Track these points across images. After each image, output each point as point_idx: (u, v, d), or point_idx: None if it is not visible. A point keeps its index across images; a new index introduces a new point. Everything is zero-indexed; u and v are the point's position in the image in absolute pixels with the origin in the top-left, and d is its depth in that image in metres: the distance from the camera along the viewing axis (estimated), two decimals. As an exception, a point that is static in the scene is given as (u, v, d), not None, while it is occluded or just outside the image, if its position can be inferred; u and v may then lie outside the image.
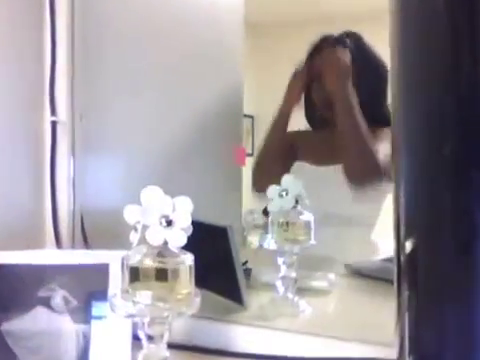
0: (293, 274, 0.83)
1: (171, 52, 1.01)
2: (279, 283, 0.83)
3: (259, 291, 0.89)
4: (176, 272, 0.55)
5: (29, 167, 0.91)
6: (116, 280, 0.58)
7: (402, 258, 0.48)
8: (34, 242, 0.91)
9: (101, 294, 0.67)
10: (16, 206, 0.89)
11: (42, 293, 0.69)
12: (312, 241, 0.83)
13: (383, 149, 0.97)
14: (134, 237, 0.56)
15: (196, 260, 0.56)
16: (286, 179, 0.84)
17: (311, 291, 0.88)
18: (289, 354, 0.72)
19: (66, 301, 0.68)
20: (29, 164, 0.91)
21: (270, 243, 0.85)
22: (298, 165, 1.07)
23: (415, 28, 0.46)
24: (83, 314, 0.68)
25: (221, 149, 1.05)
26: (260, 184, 1.07)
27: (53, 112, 0.92)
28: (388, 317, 0.51)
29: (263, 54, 1.13)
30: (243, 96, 1.08)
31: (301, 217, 0.83)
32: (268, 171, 1.08)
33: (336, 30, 1.02)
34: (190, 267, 0.56)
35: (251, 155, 1.11)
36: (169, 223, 0.55)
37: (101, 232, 0.91)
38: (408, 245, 0.47)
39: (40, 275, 0.69)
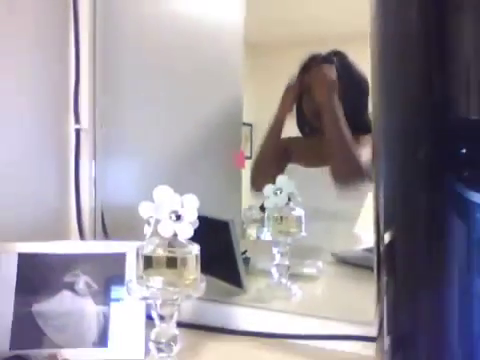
0: (286, 262, 0.83)
1: (180, 68, 1.01)
2: (274, 270, 0.83)
3: (257, 277, 0.89)
4: (184, 260, 0.55)
5: (56, 169, 0.91)
6: (132, 267, 0.58)
7: (381, 248, 0.48)
8: (60, 234, 0.91)
9: (119, 279, 0.67)
10: (45, 203, 0.89)
11: (67, 279, 0.69)
12: (303, 233, 0.83)
13: (365, 153, 0.97)
14: (147, 230, 0.56)
15: (202, 250, 0.56)
16: (280, 179, 0.84)
17: (302, 277, 0.87)
18: (283, 332, 0.72)
19: (88, 285, 0.68)
20: (56, 166, 0.91)
21: (266, 235, 0.85)
22: (291, 167, 1.07)
23: (393, 48, 0.46)
24: (103, 297, 0.68)
25: (223, 153, 1.05)
26: (257, 184, 1.07)
27: (77, 121, 0.92)
28: (369, 300, 0.51)
29: (261, 70, 1.13)
30: (243, 107, 1.08)
31: (293, 212, 0.83)
32: (264, 172, 1.07)
33: (325, 49, 1.02)
34: (196, 256, 0.56)
35: (250, 158, 1.10)
36: (178, 218, 0.55)
37: (119, 225, 0.91)
38: (386, 237, 0.47)
39: (65, 263, 0.69)
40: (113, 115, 0.95)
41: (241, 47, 1.07)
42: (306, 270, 0.90)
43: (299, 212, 0.83)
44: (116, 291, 0.68)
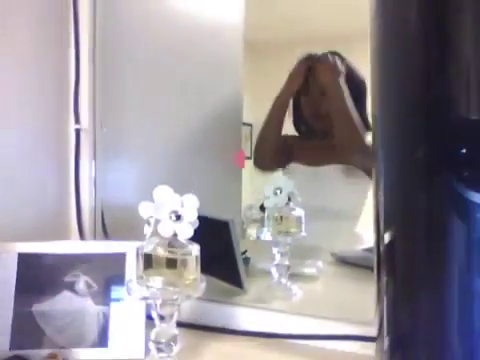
0: (286, 262, 0.83)
1: (180, 68, 1.01)
2: (274, 270, 0.83)
3: (257, 277, 0.89)
4: (184, 260, 0.55)
5: (56, 169, 0.91)
6: (132, 267, 0.58)
7: (381, 248, 0.48)
8: (60, 234, 0.91)
9: (119, 279, 0.67)
10: (45, 203, 0.89)
11: (67, 279, 0.69)
12: (303, 233, 0.83)
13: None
14: (147, 230, 0.56)
15: (202, 250, 0.56)
16: (280, 179, 0.84)
17: (302, 277, 0.87)
18: (283, 332, 0.72)
19: (88, 286, 0.68)
20: (56, 166, 0.91)
21: (266, 235, 0.85)
22: (293, 166, 1.08)
23: (392, 48, 0.46)
24: (103, 297, 0.68)
25: (223, 153, 1.05)
26: (260, 161, 1.09)
27: (77, 121, 0.92)
28: (369, 300, 0.51)
29: (261, 70, 1.13)
30: (243, 107, 1.08)
31: (293, 212, 0.83)
32: (267, 147, 1.09)
33: (325, 49, 1.02)
34: (196, 256, 0.56)
35: (250, 158, 1.10)
36: (178, 218, 0.54)
37: (119, 225, 0.91)
38: (386, 237, 0.47)
39: (65, 263, 0.69)
40: (113, 115, 0.95)
41: (241, 47, 1.07)
42: (306, 270, 0.90)
43: (299, 212, 0.83)
44: (116, 291, 0.68)
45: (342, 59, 1.02)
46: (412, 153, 0.44)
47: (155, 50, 0.99)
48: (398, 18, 0.44)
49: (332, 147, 1.04)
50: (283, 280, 0.83)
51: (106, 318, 0.67)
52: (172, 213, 0.54)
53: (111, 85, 0.94)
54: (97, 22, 0.92)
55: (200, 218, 0.55)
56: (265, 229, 0.85)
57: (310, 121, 1.08)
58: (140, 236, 0.56)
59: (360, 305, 0.63)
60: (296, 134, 1.10)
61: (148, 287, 0.54)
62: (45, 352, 0.64)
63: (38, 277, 0.68)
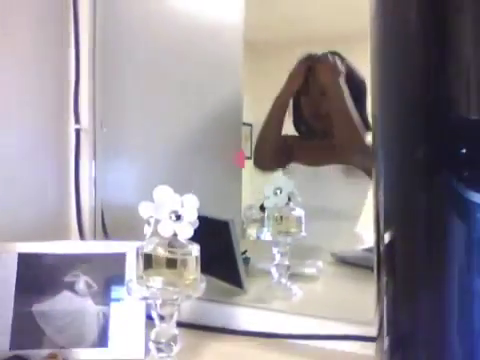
0: (286, 262, 0.83)
1: (180, 68, 1.01)
2: (274, 270, 0.83)
3: (257, 277, 0.89)
4: (184, 260, 0.55)
5: (56, 169, 0.91)
6: (132, 267, 0.58)
7: (381, 248, 0.48)
8: (60, 234, 0.91)
9: (119, 279, 0.67)
10: (45, 203, 0.89)
11: (67, 279, 0.69)
12: (303, 233, 0.83)
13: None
14: (147, 230, 0.56)
15: (202, 250, 0.56)
16: (280, 179, 0.84)
17: (302, 277, 0.87)
18: (283, 332, 0.72)
19: (88, 286, 0.68)
20: (56, 166, 0.91)
21: (266, 235, 0.85)
22: (293, 166, 1.08)
23: (392, 48, 0.46)
24: (103, 297, 0.68)
25: (223, 153, 1.05)
26: (260, 161, 1.09)
27: (77, 121, 0.92)
28: (369, 300, 0.51)
29: (261, 70, 1.13)
30: (243, 107, 1.08)
31: (293, 212, 0.83)
32: (267, 147, 1.09)
33: (325, 49, 1.02)
34: (196, 256, 0.56)
35: (250, 158, 1.10)
36: (178, 218, 0.54)
37: (119, 225, 0.91)
38: (386, 237, 0.47)
39: (65, 263, 0.69)
40: (113, 115, 0.95)
41: (241, 47, 1.07)
42: (306, 270, 0.90)
43: (299, 212, 0.83)
44: (116, 291, 0.68)
45: (342, 59, 1.02)
46: (412, 153, 0.44)
47: (155, 50, 0.99)
48: (398, 18, 0.44)
49: (332, 147, 1.04)
50: (283, 280, 0.83)
51: (106, 318, 0.67)
52: (172, 213, 0.54)
53: (111, 85, 0.94)
54: (97, 22, 0.92)
55: (200, 218, 0.55)
56: (265, 229, 0.85)
57: (310, 121, 1.08)
58: (140, 236, 0.56)
59: (360, 305, 0.63)
60: (296, 134, 1.10)
61: (148, 287, 0.54)
62: (45, 352, 0.64)
63: (38, 277, 0.68)
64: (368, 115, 0.94)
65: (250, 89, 1.09)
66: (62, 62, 0.91)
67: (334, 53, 1.02)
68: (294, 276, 0.84)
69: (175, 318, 0.56)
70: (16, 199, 0.83)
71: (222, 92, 1.07)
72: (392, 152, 0.47)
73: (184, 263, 0.54)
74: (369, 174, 0.51)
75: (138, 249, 0.55)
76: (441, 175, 0.42)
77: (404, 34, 0.44)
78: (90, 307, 0.68)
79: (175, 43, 1.00)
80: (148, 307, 0.61)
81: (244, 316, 0.76)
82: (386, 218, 0.47)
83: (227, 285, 0.83)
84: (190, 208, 0.55)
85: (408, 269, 0.45)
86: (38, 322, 0.66)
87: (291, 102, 1.08)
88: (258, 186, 1.06)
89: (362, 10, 0.51)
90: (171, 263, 0.54)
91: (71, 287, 0.68)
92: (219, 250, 0.79)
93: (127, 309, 0.67)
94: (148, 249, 0.54)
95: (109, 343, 0.66)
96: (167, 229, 0.54)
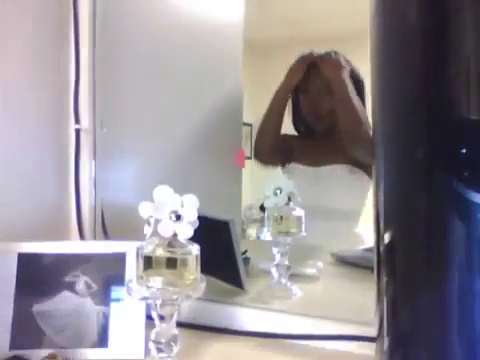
0: (286, 262, 0.83)
1: (179, 67, 1.01)
2: (274, 270, 0.83)
3: (257, 277, 0.89)
4: (184, 260, 0.54)
5: (56, 169, 0.91)
6: (132, 267, 0.58)
7: (381, 248, 0.48)
8: (60, 234, 0.91)
9: (119, 279, 0.67)
10: (45, 203, 0.89)
11: (67, 279, 0.69)
12: (303, 233, 0.83)
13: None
14: (147, 230, 0.56)
15: (202, 250, 0.56)
16: (280, 179, 0.84)
17: (302, 277, 0.87)
18: (283, 332, 0.72)
19: (88, 286, 0.68)
20: (56, 166, 0.91)
21: (266, 235, 0.85)
22: (293, 166, 1.08)
23: (392, 47, 0.46)
24: (103, 297, 0.68)
25: (223, 153, 1.05)
26: (259, 155, 1.09)
27: (77, 121, 0.92)
28: (369, 300, 0.51)
29: (261, 70, 1.13)
30: (243, 107, 1.08)
31: (293, 212, 0.83)
32: (267, 141, 1.09)
33: (325, 48, 1.02)
34: (196, 256, 0.55)
35: (250, 158, 1.10)
36: (178, 218, 0.54)
37: (119, 225, 0.91)
38: (386, 237, 0.47)
39: (65, 263, 0.69)
40: (113, 115, 0.95)
41: (241, 47, 1.07)
42: (307, 270, 0.90)
43: (299, 212, 0.83)
44: (116, 291, 0.68)
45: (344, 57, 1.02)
46: (412, 153, 0.44)
47: (155, 50, 0.99)
48: (398, 17, 0.44)
49: (332, 147, 1.04)
50: (283, 280, 0.83)
51: (106, 318, 0.67)
52: (172, 213, 0.54)
53: (111, 85, 0.94)
54: (97, 22, 0.92)
55: (200, 218, 0.55)
56: (265, 229, 0.85)
57: (309, 120, 1.08)
58: (140, 236, 0.56)
59: (360, 305, 0.63)
60: (295, 134, 1.10)
61: (148, 287, 0.54)
62: (45, 352, 0.64)
63: (38, 277, 0.68)
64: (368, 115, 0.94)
65: (250, 89, 1.10)
66: (62, 62, 0.91)
67: (335, 53, 1.02)
68: (294, 276, 0.84)
69: (175, 318, 0.56)
70: (16, 199, 0.83)
71: (222, 92, 1.07)
72: (392, 152, 0.46)
73: (184, 263, 0.54)
74: (370, 173, 0.51)
75: (138, 249, 0.55)
76: (441, 175, 0.42)
77: (404, 33, 0.44)
78: (90, 307, 0.68)
79: (175, 43, 1.00)
80: (148, 307, 0.61)
81: (244, 316, 0.76)
82: (386, 218, 0.47)
83: (227, 285, 0.83)
84: (190, 208, 0.55)
85: (408, 269, 0.45)
86: (38, 322, 0.66)
87: (290, 101, 1.08)
88: (258, 186, 1.06)
89: (362, 10, 0.51)
90: (171, 263, 0.54)
91: (71, 287, 0.68)
92: (219, 250, 0.79)
93: (127, 309, 0.67)
94: (148, 249, 0.54)
95: (109, 343, 0.66)
96: (167, 229, 0.54)
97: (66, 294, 0.68)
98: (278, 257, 0.82)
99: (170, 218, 0.54)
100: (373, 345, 0.51)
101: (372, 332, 0.51)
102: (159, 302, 0.55)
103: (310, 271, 0.90)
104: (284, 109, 1.07)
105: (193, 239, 0.55)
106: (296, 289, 0.83)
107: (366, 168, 0.96)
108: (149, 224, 0.55)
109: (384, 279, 0.47)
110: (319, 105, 1.06)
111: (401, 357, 0.47)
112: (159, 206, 0.54)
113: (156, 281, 0.54)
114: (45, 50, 0.89)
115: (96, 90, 0.92)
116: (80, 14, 0.91)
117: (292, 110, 1.08)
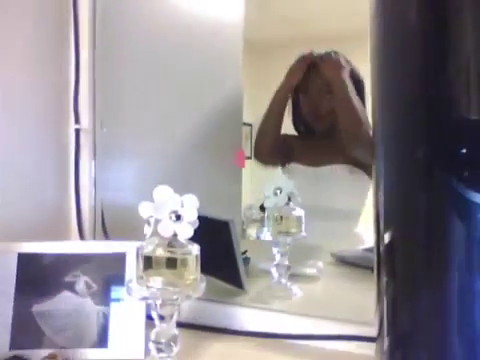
0: (286, 262, 0.83)
1: (179, 67, 1.01)
2: (274, 270, 0.83)
3: (257, 277, 0.89)
4: (184, 261, 0.54)
5: (56, 169, 0.91)
6: (132, 267, 0.58)
7: (381, 248, 0.48)
8: (60, 234, 0.91)
9: (119, 279, 0.67)
10: (45, 203, 0.89)
11: (67, 279, 0.69)
12: (303, 233, 0.83)
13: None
14: (147, 230, 0.56)
15: (202, 250, 0.56)
16: (280, 179, 0.84)
17: (302, 277, 0.87)
18: (283, 332, 0.72)
19: (88, 286, 0.68)
20: (56, 166, 0.91)
21: (266, 235, 0.85)
22: (293, 166, 1.08)
23: (392, 47, 0.46)
24: (103, 297, 0.68)
25: (223, 153, 1.05)
26: (259, 154, 1.08)
27: (77, 121, 0.92)
28: (369, 300, 0.51)
29: (261, 70, 1.13)
30: (243, 107, 1.08)
31: (293, 212, 0.83)
32: (267, 141, 1.09)
33: (325, 48, 1.02)
34: (196, 256, 0.55)
35: (250, 158, 1.10)
36: (178, 218, 0.54)
37: (119, 225, 0.91)
38: (386, 237, 0.47)
39: (65, 263, 0.69)
40: (113, 115, 0.95)
41: (241, 47, 1.07)
42: (307, 271, 0.90)
43: (299, 212, 0.83)
44: (116, 291, 0.68)
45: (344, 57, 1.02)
46: (412, 153, 0.44)
47: (155, 50, 0.99)
48: (398, 17, 0.44)
49: (332, 147, 1.04)
50: (283, 280, 0.82)
51: (106, 318, 0.67)
52: (172, 213, 0.54)
53: (111, 85, 0.94)
54: (97, 22, 0.92)
55: (200, 218, 0.55)
56: (265, 229, 0.85)
57: (309, 120, 1.08)
58: (140, 236, 0.56)
59: (360, 305, 0.63)
60: (295, 134, 1.10)
61: (148, 287, 0.54)
62: (45, 352, 0.64)
63: (38, 277, 0.68)
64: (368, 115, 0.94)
65: (250, 89, 1.10)
66: (62, 63, 0.91)
67: (335, 52, 1.02)
68: (294, 276, 0.84)
69: (175, 318, 0.56)
70: (16, 199, 0.83)
71: (222, 92, 1.07)
72: (392, 152, 0.46)
73: (184, 263, 0.54)
74: (370, 173, 0.51)
75: (138, 249, 0.55)
76: (441, 175, 0.42)
77: (404, 33, 0.44)
78: (90, 307, 0.68)
79: (175, 43, 1.00)
80: (148, 307, 0.61)
81: (244, 316, 0.76)
82: (386, 218, 0.47)
83: (227, 285, 0.83)
84: (190, 208, 0.55)
85: (408, 269, 0.45)
86: (38, 322, 0.66)
87: (290, 101, 1.08)
88: (258, 186, 1.06)
89: (362, 10, 0.51)
90: (171, 263, 0.54)
91: (71, 287, 0.68)
92: (219, 250, 0.79)
93: (127, 309, 0.67)
94: (148, 249, 0.54)
95: (109, 343, 0.66)
96: (167, 229, 0.54)
97: (66, 294, 0.68)
98: (278, 257, 0.82)
99: (170, 218, 0.54)
100: (373, 345, 0.51)
101: (372, 332, 0.51)
102: (159, 302, 0.55)
103: (310, 271, 0.90)
104: (284, 109, 1.07)
105: (193, 239, 0.55)
106: (296, 289, 0.83)
107: (366, 168, 0.96)
108: (149, 224, 0.55)
109: (384, 279, 0.47)
110: (319, 105, 1.06)
111: (401, 357, 0.47)
112: (159, 206, 0.54)
113: (156, 281, 0.54)
114: (45, 51, 0.89)
115: (96, 90, 0.92)
116: (80, 16, 0.91)
117: (292, 110, 1.08)
